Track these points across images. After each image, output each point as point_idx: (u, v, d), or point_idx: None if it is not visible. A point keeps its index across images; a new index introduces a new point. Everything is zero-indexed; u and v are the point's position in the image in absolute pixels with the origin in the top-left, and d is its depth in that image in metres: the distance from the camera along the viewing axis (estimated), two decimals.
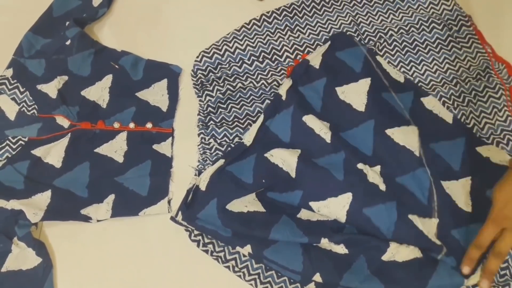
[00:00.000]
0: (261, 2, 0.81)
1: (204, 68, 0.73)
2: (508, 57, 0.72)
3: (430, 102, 0.69)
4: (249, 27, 0.76)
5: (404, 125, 0.65)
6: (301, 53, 0.74)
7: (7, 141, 0.68)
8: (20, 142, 0.68)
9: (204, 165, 0.66)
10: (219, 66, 0.73)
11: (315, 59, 0.72)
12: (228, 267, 0.61)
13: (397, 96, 0.69)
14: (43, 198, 0.65)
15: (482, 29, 0.75)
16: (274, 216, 0.61)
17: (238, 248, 0.60)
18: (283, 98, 0.68)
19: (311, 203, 0.61)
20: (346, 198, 0.60)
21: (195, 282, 0.62)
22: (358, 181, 0.61)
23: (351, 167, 0.62)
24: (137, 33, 0.80)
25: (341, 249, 0.59)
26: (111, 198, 0.65)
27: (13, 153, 0.68)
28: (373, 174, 0.62)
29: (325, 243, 0.58)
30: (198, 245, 0.62)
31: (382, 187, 0.62)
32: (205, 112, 0.70)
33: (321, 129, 0.65)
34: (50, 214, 0.64)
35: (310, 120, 0.65)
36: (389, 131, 0.65)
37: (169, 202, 0.66)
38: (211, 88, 0.71)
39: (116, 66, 0.74)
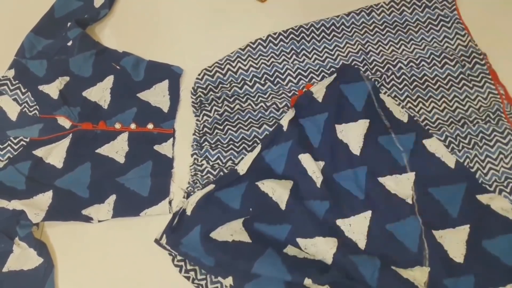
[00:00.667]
0: (263, 3, 0.81)
1: (204, 86, 0.72)
2: None
3: (433, 145, 0.66)
4: (254, 46, 0.74)
5: (397, 173, 0.64)
6: (305, 78, 0.73)
7: (9, 142, 0.68)
8: (22, 142, 0.69)
9: (194, 188, 0.65)
10: (220, 85, 0.72)
11: (319, 92, 0.70)
12: None
13: (398, 138, 0.66)
14: (45, 199, 0.65)
15: (496, 68, 0.71)
16: (259, 248, 0.59)
17: (220, 279, 0.59)
18: (284, 128, 0.67)
19: (299, 239, 0.60)
20: (332, 242, 0.59)
21: None
22: (337, 235, 0.61)
23: (331, 221, 0.62)
24: (138, 34, 0.80)
25: None
26: (112, 198, 0.66)
27: (15, 153, 0.68)
28: (353, 229, 0.61)
29: (308, 283, 0.57)
30: (180, 271, 0.60)
31: (361, 244, 0.61)
32: (201, 132, 0.69)
33: (314, 171, 0.64)
34: (51, 215, 0.64)
35: (305, 160, 0.65)
36: (381, 179, 0.64)
37: (170, 202, 0.66)
38: (209, 108, 0.70)
39: (118, 67, 0.75)
